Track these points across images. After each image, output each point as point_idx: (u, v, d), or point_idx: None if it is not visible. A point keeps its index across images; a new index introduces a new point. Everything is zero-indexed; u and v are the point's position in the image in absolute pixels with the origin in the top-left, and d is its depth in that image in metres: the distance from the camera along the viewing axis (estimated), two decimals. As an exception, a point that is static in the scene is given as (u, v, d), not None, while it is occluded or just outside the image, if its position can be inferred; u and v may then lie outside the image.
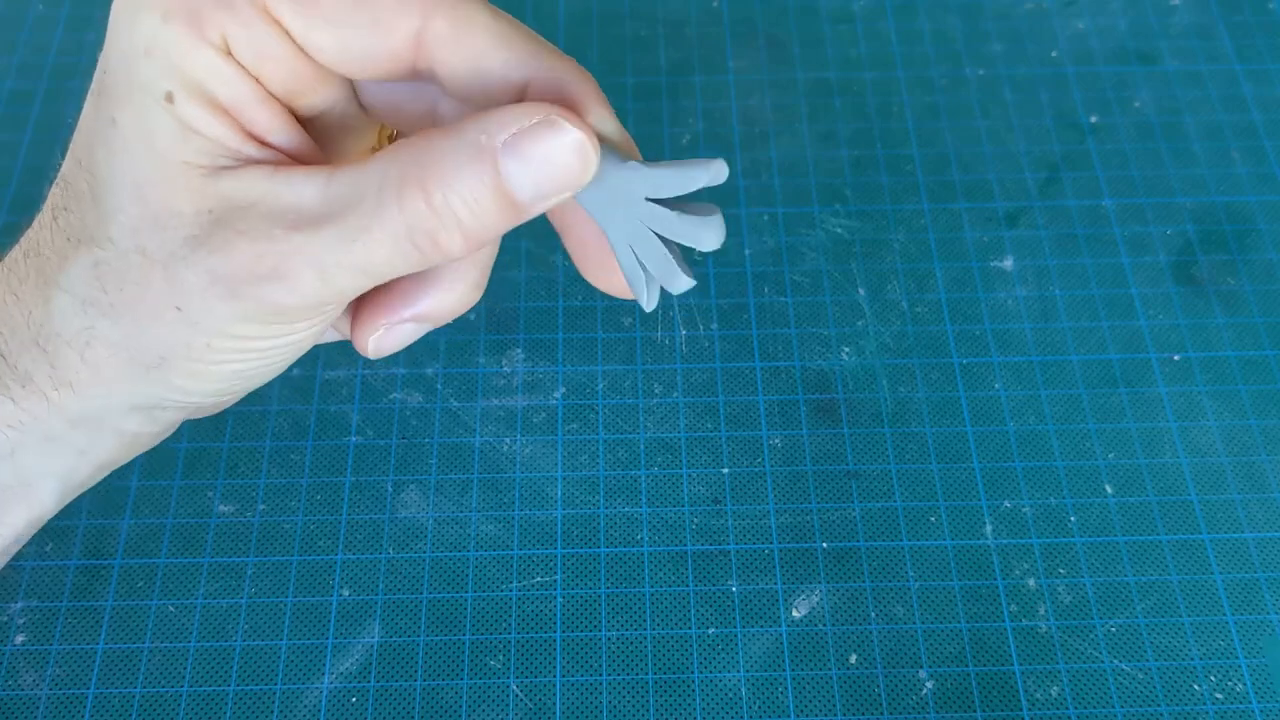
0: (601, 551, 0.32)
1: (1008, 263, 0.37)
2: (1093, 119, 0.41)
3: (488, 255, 0.24)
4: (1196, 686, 0.30)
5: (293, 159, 0.21)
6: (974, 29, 0.43)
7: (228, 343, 0.21)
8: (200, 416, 0.25)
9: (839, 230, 0.38)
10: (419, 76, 0.21)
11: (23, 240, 0.22)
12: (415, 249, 0.20)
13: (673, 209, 0.22)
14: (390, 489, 0.33)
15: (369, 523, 0.32)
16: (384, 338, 0.23)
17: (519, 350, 0.35)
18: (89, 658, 0.30)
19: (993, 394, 0.35)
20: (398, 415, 0.34)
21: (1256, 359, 0.35)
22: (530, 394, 0.35)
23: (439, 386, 0.35)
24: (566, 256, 0.37)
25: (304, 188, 0.20)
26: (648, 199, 0.23)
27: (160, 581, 0.32)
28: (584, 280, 0.37)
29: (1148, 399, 0.35)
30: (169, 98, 0.20)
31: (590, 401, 0.34)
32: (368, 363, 0.35)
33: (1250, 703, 0.30)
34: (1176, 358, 0.35)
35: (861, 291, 0.37)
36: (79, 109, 0.43)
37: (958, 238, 0.38)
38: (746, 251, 0.37)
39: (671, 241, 0.22)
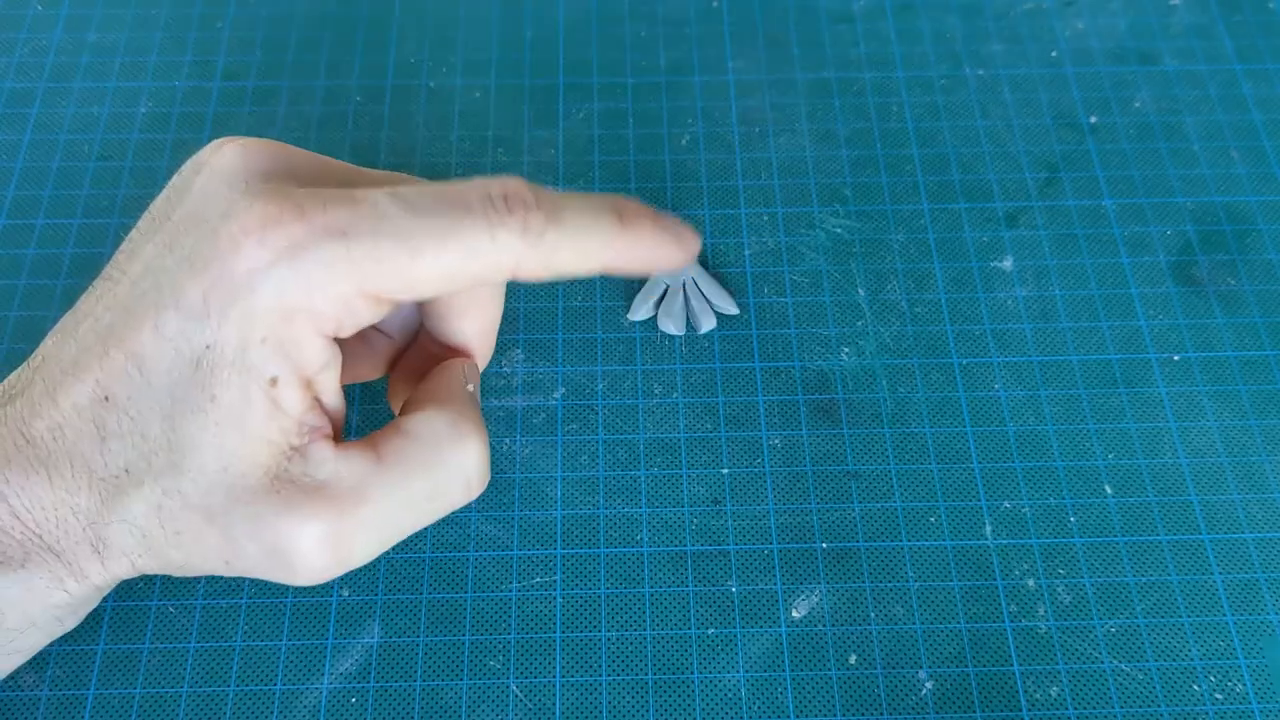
0: (601, 552, 0.32)
1: (1007, 263, 0.37)
2: (1092, 119, 0.41)
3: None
4: (1196, 687, 0.30)
5: (333, 415, 0.24)
6: (973, 29, 0.43)
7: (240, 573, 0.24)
8: None
9: (839, 230, 0.38)
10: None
11: (43, 435, 0.23)
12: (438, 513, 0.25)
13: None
14: (390, 489, 0.33)
15: (369, 523, 0.32)
16: None
17: (518, 350, 0.35)
18: (89, 658, 0.30)
19: (992, 394, 0.35)
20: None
21: (1256, 359, 0.35)
22: (530, 394, 0.35)
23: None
24: (566, 257, 0.37)
25: (358, 468, 0.23)
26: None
27: (160, 582, 0.32)
28: (584, 280, 0.37)
29: (1148, 399, 0.35)
30: (273, 382, 0.22)
31: (590, 402, 0.34)
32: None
33: (1250, 703, 0.30)
34: (1176, 358, 0.35)
35: (861, 291, 0.37)
36: (78, 109, 0.43)
37: (957, 238, 0.38)
38: (746, 252, 0.37)
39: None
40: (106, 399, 0.22)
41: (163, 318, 0.22)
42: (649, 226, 0.24)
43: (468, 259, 0.22)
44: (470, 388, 0.26)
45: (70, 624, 0.26)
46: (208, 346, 0.22)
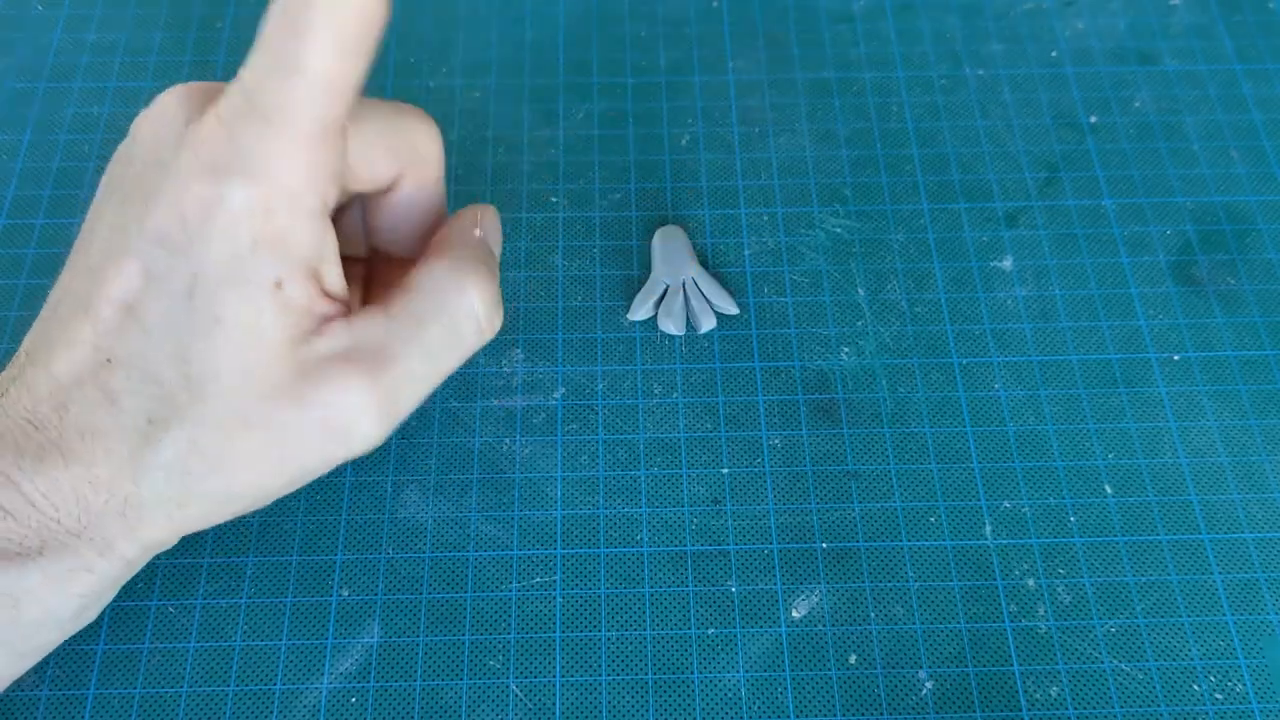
0: (601, 552, 0.32)
1: (1007, 263, 0.37)
2: (1092, 119, 0.41)
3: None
4: (1196, 686, 0.30)
5: (340, 300, 0.24)
6: (973, 29, 0.43)
7: (308, 480, 0.24)
8: None
9: (839, 230, 0.38)
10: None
11: (48, 416, 0.23)
12: (468, 347, 0.25)
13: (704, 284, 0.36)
14: (389, 489, 0.33)
15: (368, 523, 0.32)
16: None
17: (518, 350, 0.35)
18: (89, 658, 0.30)
19: (992, 394, 0.35)
20: (397, 415, 0.34)
21: (1256, 359, 0.35)
22: (529, 394, 0.35)
23: (438, 386, 0.35)
24: (565, 257, 0.37)
25: (376, 327, 0.23)
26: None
27: (160, 582, 0.32)
28: (584, 280, 0.37)
29: (1147, 399, 0.35)
30: (278, 284, 0.22)
31: (590, 402, 0.34)
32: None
33: (1250, 703, 0.30)
34: (1176, 358, 0.35)
35: (861, 291, 0.37)
36: (78, 109, 0.43)
37: (957, 238, 0.38)
38: (746, 252, 0.37)
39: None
40: (108, 361, 0.22)
41: (143, 260, 0.22)
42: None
43: (333, 37, 0.21)
44: (477, 232, 0.25)
45: (92, 614, 0.25)
46: (194, 275, 0.21)
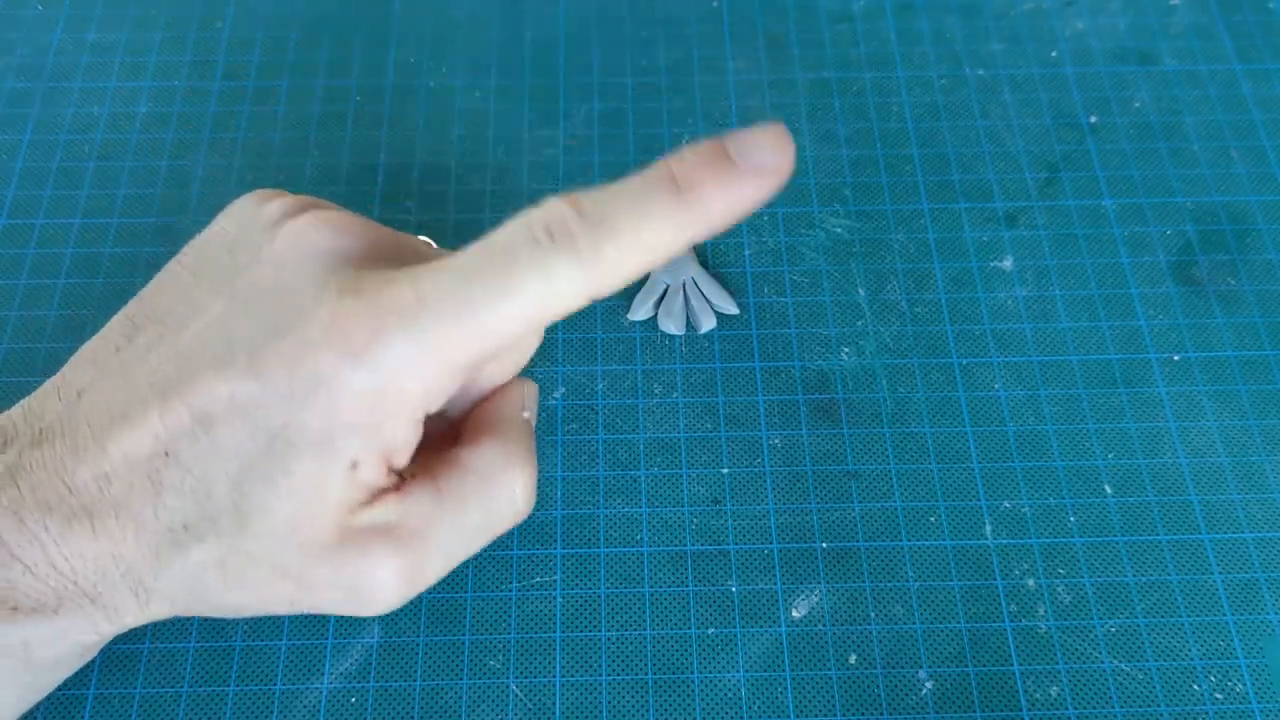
0: (601, 551, 0.32)
1: (1007, 263, 0.37)
2: (1092, 119, 0.41)
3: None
4: (1196, 686, 0.30)
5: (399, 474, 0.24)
6: (973, 29, 0.43)
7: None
8: None
9: (839, 230, 0.38)
10: None
11: (88, 484, 0.23)
12: (499, 529, 0.26)
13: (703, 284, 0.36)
14: (390, 489, 0.33)
15: (368, 523, 0.32)
16: None
17: (518, 350, 0.35)
18: (88, 658, 0.30)
19: (992, 394, 0.35)
20: (397, 415, 0.34)
21: (1256, 359, 0.35)
22: (530, 394, 0.35)
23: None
24: (566, 256, 0.37)
25: (423, 508, 0.24)
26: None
27: (160, 581, 0.31)
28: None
29: (1147, 399, 0.35)
30: (355, 465, 0.22)
31: (590, 401, 0.34)
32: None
33: (1250, 703, 0.30)
34: (1176, 358, 0.35)
35: (861, 291, 0.37)
36: (78, 109, 0.43)
37: (957, 238, 0.38)
38: (746, 252, 0.37)
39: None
40: (167, 454, 0.22)
41: (240, 385, 0.22)
42: (711, 180, 0.22)
43: (532, 305, 0.22)
44: (526, 415, 0.27)
45: (92, 654, 0.26)
46: (284, 425, 0.22)
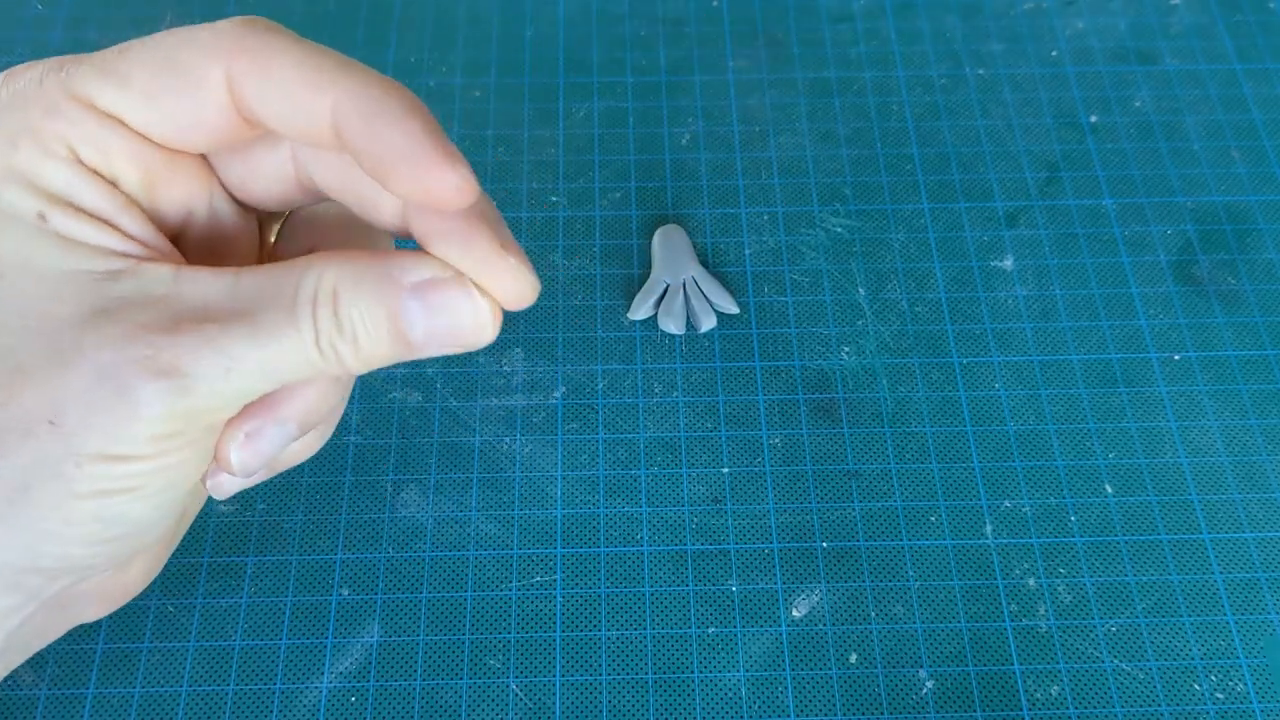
0: (601, 551, 0.32)
1: (1008, 262, 0.37)
2: (1092, 118, 0.41)
3: (345, 392, 0.24)
4: (1196, 686, 0.30)
5: (166, 252, 0.21)
6: (973, 28, 0.43)
7: (99, 466, 0.20)
8: (86, 605, 0.23)
9: (839, 230, 0.38)
10: (252, 132, 0.21)
11: None
12: (320, 357, 0.20)
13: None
14: (389, 488, 0.33)
15: (368, 522, 0.32)
16: (244, 446, 0.22)
17: (518, 349, 0.35)
18: (88, 657, 0.30)
19: (993, 394, 0.35)
20: (397, 414, 0.34)
21: (1256, 359, 0.35)
22: (530, 393, 0.35)
23: (438, 386, 0.35)
24: (566, 256, 0.37)
25: (210, 286, 0.20)
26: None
27: (159, 581, 0.31)
28: (584, 279, 0.37)
29: (1148, 399, 0.35)
30: (41, 217, 0.19)
31: (590, 401, 0.34)
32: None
33: (1250, 703, 0.30)
34: (1176, 357, 0.35)
35: (861, 291, 0.37)
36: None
37: (958, 237, 0.38)
38: (746, 251, 0.37)
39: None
40: None
41: None
42: (396, 92, 0.20)
43: (175, 48, 0.21)
44: (396, 272, 0.20)
45: None
46: None
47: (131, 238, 0.20)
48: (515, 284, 0.20)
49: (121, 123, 0.20)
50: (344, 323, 0.20)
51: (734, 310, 0.36)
